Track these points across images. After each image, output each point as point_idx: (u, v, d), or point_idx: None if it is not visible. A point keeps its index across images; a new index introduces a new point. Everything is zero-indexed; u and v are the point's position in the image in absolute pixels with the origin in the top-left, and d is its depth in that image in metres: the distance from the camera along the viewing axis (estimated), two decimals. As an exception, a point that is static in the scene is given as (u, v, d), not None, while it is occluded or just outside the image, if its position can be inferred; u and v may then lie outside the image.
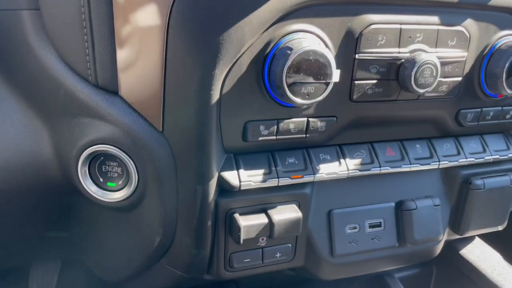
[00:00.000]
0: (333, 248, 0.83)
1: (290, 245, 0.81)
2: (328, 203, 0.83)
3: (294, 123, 0.73)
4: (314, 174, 0.77)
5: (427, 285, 1.16)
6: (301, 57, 0.61)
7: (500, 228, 1.01)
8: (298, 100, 0.65)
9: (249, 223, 0.73)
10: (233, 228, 0.74)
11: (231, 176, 0.72)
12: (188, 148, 0.67)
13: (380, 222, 0.87)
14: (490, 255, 1.09)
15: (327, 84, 0.65)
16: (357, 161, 0.82)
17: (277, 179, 0.75)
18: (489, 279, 1.00)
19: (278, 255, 0.81)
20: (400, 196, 0.88)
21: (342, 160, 0.80)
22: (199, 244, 0.75)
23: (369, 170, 0.82)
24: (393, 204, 0.87)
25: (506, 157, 0.94)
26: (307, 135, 0.75)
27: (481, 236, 1.16)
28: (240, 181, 0.72)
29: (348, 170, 0.80)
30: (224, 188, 0.73)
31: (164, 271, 0.82)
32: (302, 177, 0.76)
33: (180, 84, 0.62)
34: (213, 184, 0.71)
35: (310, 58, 0.62)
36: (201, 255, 0.77)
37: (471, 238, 1.15)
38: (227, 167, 0.73)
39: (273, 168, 0.75)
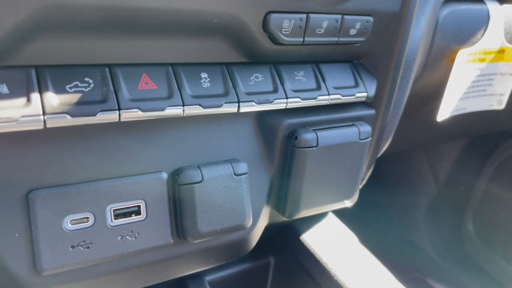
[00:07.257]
0: (36, 260, 0.45)
1: None
2: (23, 177, 0.44)
3: None
4: (-44, 120, 0.38)
5: (264, 281, 0.84)
6: None
7: (348, 203, 0.70)
8: None
9: None
10: None
11: None
12: None
13: (138, 207, 0.50)
14: (340, 239, 0.79)
15: None
16: (72, 97, 0.43)
17: None
18: (330, 275, 0.69)
19: None
20: (176, 161, 0.52)
21: (34, 96, 0.41)
22: None
23: (94, 114, 0.44)
24: (164, 175, 0.51)
25: (353, 97, 0.62)
26: None
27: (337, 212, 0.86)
28: None
29: (44, 113, 0.41)
30: None
31: None
32: None
33: None
34: None
35: None
36: None
37: (323, 215, 0.85)
38: None
39: None
